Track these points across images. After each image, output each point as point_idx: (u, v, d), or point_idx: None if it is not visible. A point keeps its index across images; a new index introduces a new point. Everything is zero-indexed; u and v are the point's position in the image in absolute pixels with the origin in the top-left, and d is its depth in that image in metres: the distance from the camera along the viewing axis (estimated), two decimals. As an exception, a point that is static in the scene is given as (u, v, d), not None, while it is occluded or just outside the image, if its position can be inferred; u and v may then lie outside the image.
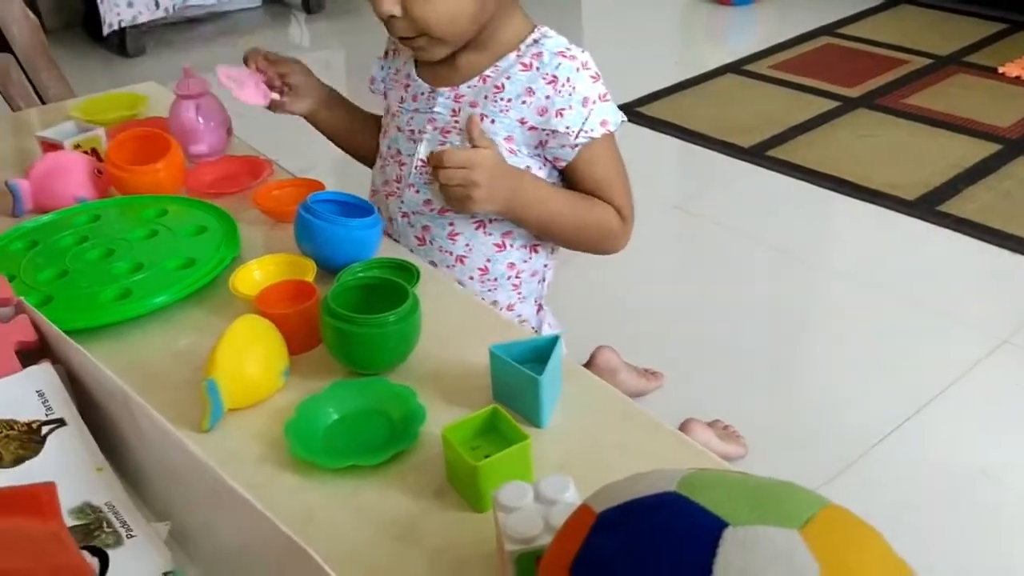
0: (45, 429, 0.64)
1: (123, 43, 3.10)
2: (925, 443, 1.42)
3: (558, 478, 0.58)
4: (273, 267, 0.87)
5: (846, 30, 3.08)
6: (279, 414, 0.72)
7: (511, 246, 1.01)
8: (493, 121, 0.96)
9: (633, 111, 2.57)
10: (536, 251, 1.03)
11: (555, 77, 0.94)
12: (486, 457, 0.63)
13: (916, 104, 2.52)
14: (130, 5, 3.00)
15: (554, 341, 0.72)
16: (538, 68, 0.94)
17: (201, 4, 3.22)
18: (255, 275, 0.86)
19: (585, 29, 3.46)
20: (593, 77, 0.95)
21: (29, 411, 0.65)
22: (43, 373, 0.67)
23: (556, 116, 0.94)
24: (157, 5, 3.06)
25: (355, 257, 0.87)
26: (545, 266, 1.06)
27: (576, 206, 0.98)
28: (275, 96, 1.06)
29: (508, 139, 0.96)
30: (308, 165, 1.03)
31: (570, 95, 0.93)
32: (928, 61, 2.79)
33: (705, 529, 0.42)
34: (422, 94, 1.00)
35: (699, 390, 1.52)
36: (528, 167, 0.97)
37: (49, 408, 0.66)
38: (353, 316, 0.72)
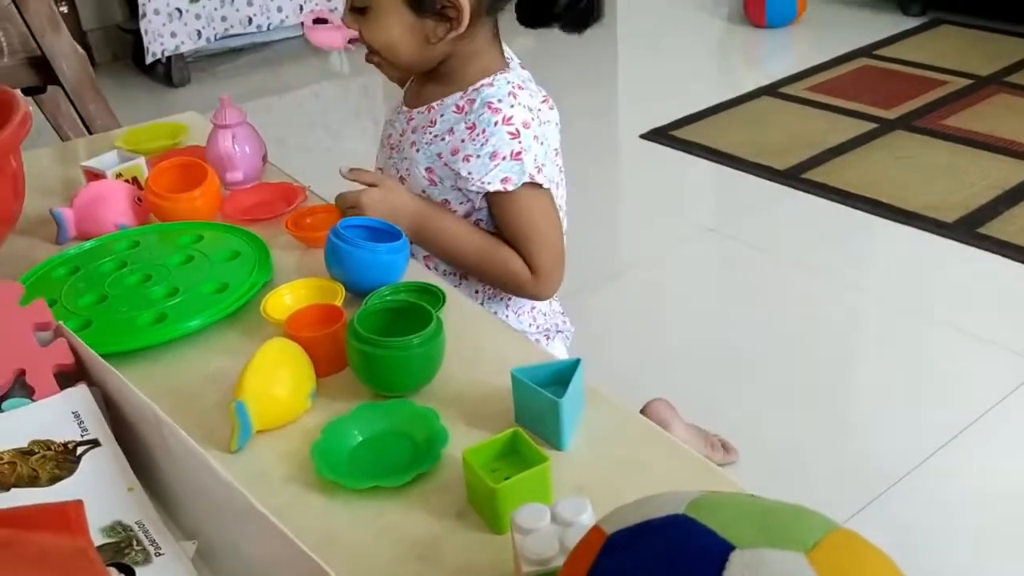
0: (80, 449, 0.67)
1: (168, 73, 3.19)
2: (961, 469, 1.40)
3: (575, 500, 0.59)
4: (303, 291, 0.89)
5: (884, 51, 3.06)
6: (306, 435, 0.73)
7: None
8: (418, 150, 1.02)
9: (667, 134, 2.58)
10: (466, 279, 1.07)
11: (474, 125, 0.98)
12: (506, 479, 0.64)
13: (955, 125, 2.49)
14: (173, 35, 3.08)
15: (575, 365, 0.73)
16: (467, 113, 0.99)
17: (243, 33, 3.29)
18: (286, 299, 0.88)
19: (620, 53, 3.48)
20: (512, 134, 0.97)
21: (65, 432, 0.67)
22: (79, 395, 0.70)
23: (463, 160, 0.98)
24: (199, 35, 3.14)
25: (383, 281, 0.88)
26: (477, 292, 1.08)
27: (480, 246, 1.02)
28: (348, 46, 1.15)
29: (428, 170, 1.02)
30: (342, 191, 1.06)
31: (481, 146, 0.97)
32: (968, 82, 2.76)
33: (712, 551, 0.42)
34: (398, 109, 1.10)
35: (731, 413, 1.52)
36: (447, 200, 1.02)
37: (84, 429, 0.68)
38: (378, 339, 0.74)
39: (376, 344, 0.74)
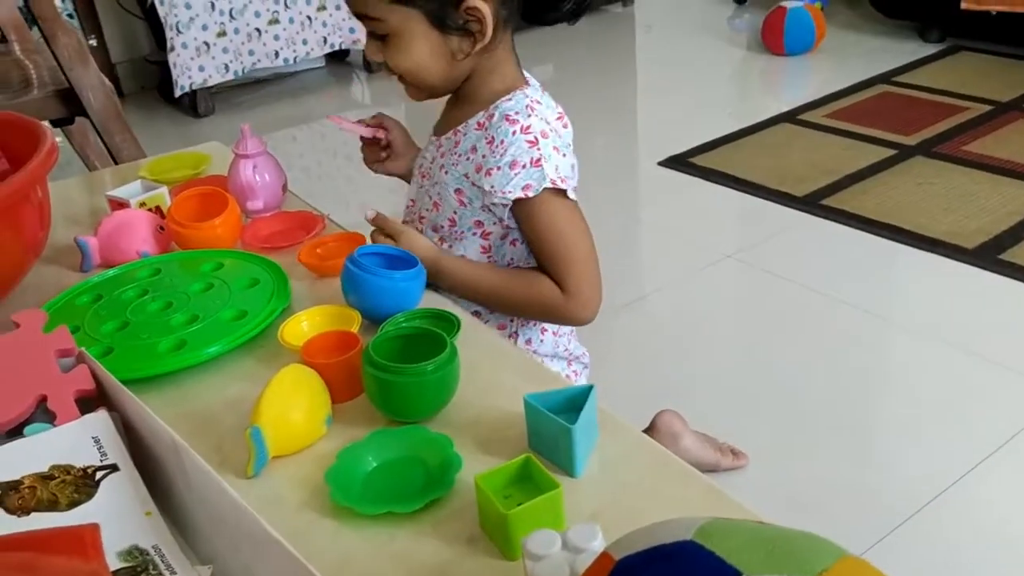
0: (99, 474, 0.68)
1: (194, 104, 3.24)
2: (983, 497, 1.38)
3: (587, 526, 0.59)
4: (320, 318, 0.90)
5: (903, 78, 3.06)
6: (321, 461, 0.74)
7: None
8: (447, 172, 1.03)
9: (686, 161, 2.58)
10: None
11: (492, 138, 0.98)
12: (518, 505, 0.64)
13: (976, 151, 2.48)
14: (201, 69, 3.14)
15: (588, 391, 0.73)
16: (487, 128, 1.00)
17: (269, 67, 3.35)
18: (303, 326, 0.89)
19: (639, 80, 3.50)
20: (530, 142, 0.97)
21: (85, 457, 0.69)
22: (99, 420, 0.71)
23: (486, 175, 0.98)
24: (227, 69, 3.20)
25: (399, 308, 0.89)
26: (511, 320, 1.07)
27: (502, 276, 1.02)
28: (377, 134, 1.16)
29: (458, 192, 1.02)
30: (363, 220, 1.08)
31: (500, 156, 0.97)
32: (988, 108, 2.75)
33: (718, 577, 0.42)
34: (428, 142, 1.11)
35: (752, 439, 1.51)
36: (479, 222, 1.03)
37: (104, 454, 0.69)
38: (392, 365, 0.75)
39: (390, 370, 0.75)
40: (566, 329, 1.11)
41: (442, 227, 1.06)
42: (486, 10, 0.94)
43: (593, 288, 0.99)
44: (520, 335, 1.08)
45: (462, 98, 1.04)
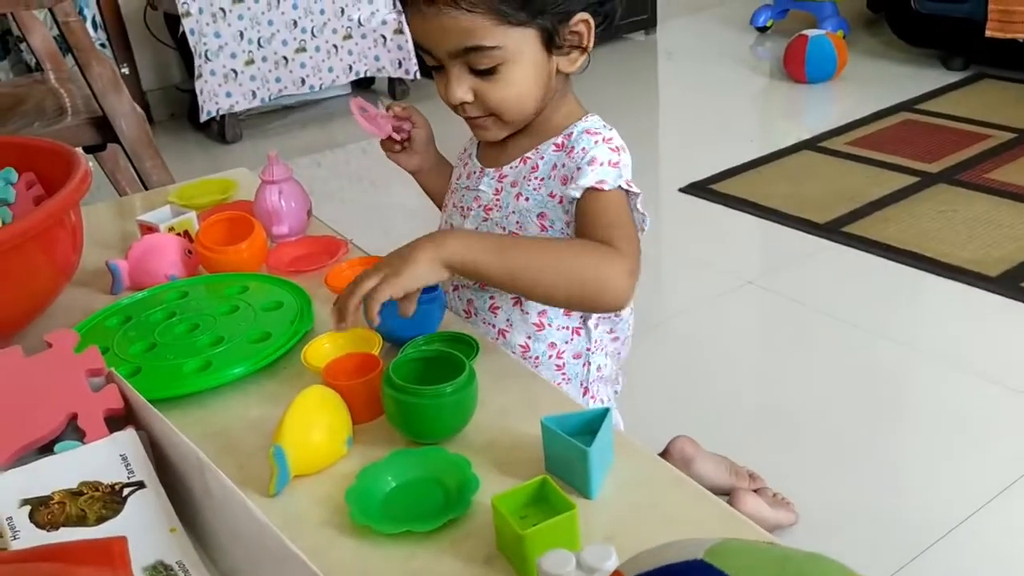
0: (126, 491, 0.69)
1: (222, 131, 3.30)
2: (1006, 526, 1.37)
3: (601, 547, 0.60)
4: (342, 341, 0.92)
5: (925, 106, 3.06)
6: (342, 480, 0.75)
7: (549, 325, 1.03)
8: (528, 199, 0.99)
9: (707, 188, 2.59)
10: (578, 333, 1.04)
11: (574, 148, 0.97)
12: (534, 526, 0.65)
13: (999, 179, 2.47)
14: (228, 95, 3.20)
15: (604, 414, 0.74)
16: (566, 147, 0.98)
17: (295, 94, 3.41)
18: (325, 348, 0.91)
19: (661, 107, 3.52)
20: (613, 149, 0.96)
21: (113, 474, 0.70)
22: (127, 438, 0.73)
23: (572, 183, 0.95)
24: (254, 95, 3.26)
25: (418, 331, 0.91)
26: (588, 349, 1.05)
27: (556, 245, 0.92)
28: (393, 135, 1.09)
29: (541, 216, 0.99)
30: (386, 244, 1.10)
31: (582, 158, 0.95)
32: (1011, 135, 2.74)
33: (727, 596, 0.43)
34: (475, 173, 1.06)
35: (770, 465, 1.50)
36: None
37: (131, 471, 0.71)
38: (411, 387, 0.76)
39: (409, 392, 0.76)
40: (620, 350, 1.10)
41: None
42: (589, 28, 0.93)
43: (637, 264, 0.90)
44: (592, 362, 1.05)
45: (527, 128, 1.01)
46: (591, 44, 0.95)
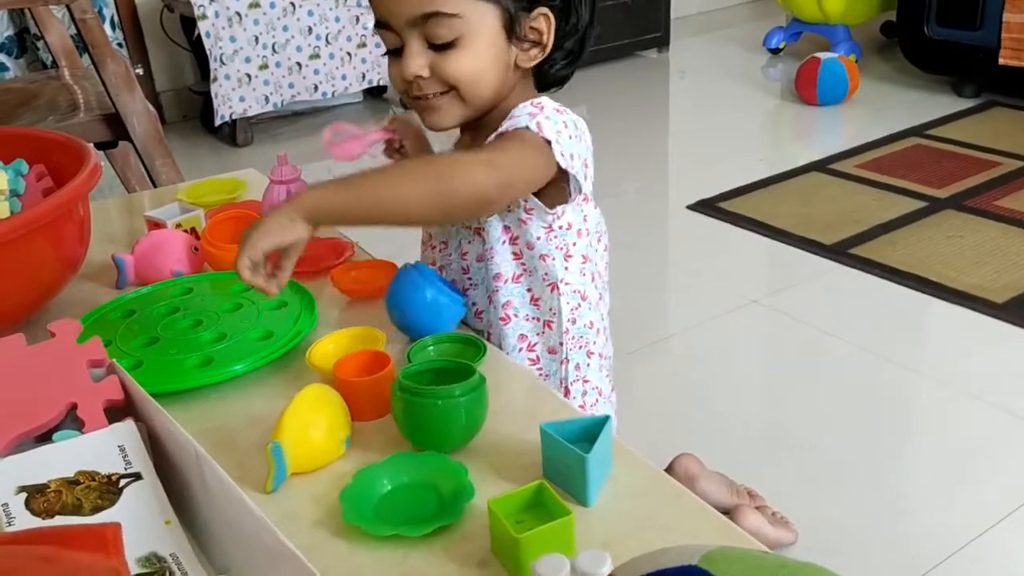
0: (123, 482, 0.69)
1: (233, 134, 3.32)
2: (1010, 551, 1.35)
3: (596, 553, 0.59)
4: (345, 341, 0.92)
5: (936, 131, 3.06)
6: (338, 480, 0.75)
7: (515, 316, 1.01)
8: None
9: (715, 206, 2.59)
10: (549, 327, 1.02)
11: (510, 115, 0.94)
12: (529, 530, 0.65)
13: (1008, 206, 2.47)
14: (242, 99, 3.22)
15: (604, 421, 0.74)
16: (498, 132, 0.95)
17: (307, 100, 3.42)
18: (329, 348, 0.91)
19: (672, 125, 3.53)
20: (534, 106, 0.93)
21: (110, 464, 0.70)
22: (126, 430, 0.73)
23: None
24: (267, 100, 3.27)
25: (435, 327, 0.92)
26: (561, 344, 1.03)
27: (406, 162, 0.95)
28: (368, 153, 1.07)
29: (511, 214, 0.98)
30: (392, 249, 1.10)
31: (507, 122, 0.93)
32: (1021, 164, 2.74)
33: (721, 602, 0.43)
34: None
35: (777, 487, 1.49)
36: (507, 226, 0.99)
37: (128, 462, 0.71)
38: (422, 388, 0.76)
39: (421, 393, 0.76)
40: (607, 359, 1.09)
41: (472, 241, 1.03)
42: (549, 26, 0.93)
43: (497, 173, 0.88)
44: (570, 359, 1.04)
45: (482, 125, 1.00)
46: (550, 42, 0.95)
